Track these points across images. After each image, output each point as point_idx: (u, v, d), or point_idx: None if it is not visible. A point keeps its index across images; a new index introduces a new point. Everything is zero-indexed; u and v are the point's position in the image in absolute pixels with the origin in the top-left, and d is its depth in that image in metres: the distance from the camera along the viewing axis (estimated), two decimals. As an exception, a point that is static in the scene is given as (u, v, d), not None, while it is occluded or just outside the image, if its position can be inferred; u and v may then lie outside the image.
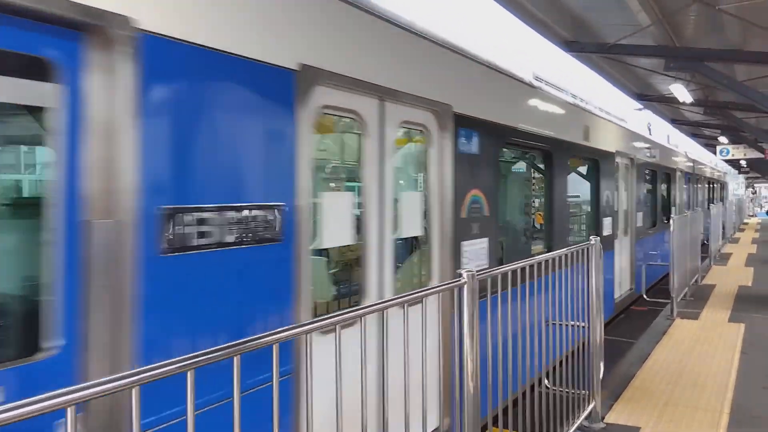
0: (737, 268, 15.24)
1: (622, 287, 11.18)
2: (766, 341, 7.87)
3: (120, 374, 1.61)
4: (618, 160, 10.62)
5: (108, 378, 1.57)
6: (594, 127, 9.21)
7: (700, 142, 27.12)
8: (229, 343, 1.93)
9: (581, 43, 9.48)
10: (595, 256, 5.28)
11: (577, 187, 9.85)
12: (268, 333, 2.12)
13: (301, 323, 2.30)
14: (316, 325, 2.31)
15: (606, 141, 9.80)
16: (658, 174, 14.56)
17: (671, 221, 9.71)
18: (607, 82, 13.39)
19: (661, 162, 14.55)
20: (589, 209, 10.58)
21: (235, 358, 1.95)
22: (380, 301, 2.78)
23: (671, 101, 14.23)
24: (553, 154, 7.57)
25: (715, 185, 29.47)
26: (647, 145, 13.00)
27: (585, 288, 5.20)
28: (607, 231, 9.92)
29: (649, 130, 15.81)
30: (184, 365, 1.75)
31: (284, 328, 2.21)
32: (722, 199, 30.77)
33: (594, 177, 9.67)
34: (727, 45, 8.96)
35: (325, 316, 2.41)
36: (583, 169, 9.91)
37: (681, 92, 12.07)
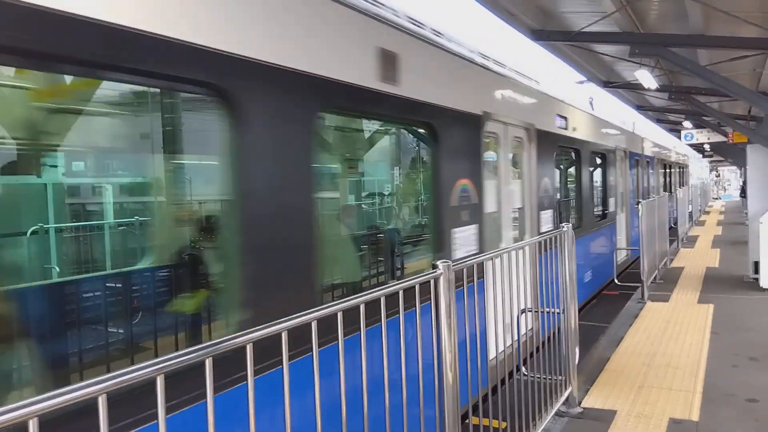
0: (704, 250, 15.57)
1: None
2: (734, 321, 8.04)
3: (89, 381, 1.54)
4: (492, 126, 6.80)
5: (69, 388, 1.49)
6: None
7: (665, 128, 27.57)
8: (200, 345, 1.87)
9: (547, 31, 9.52)
10: (567, 243, 5.34)
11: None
12: (241, 333, 2.06)
13: (275, 322, 2.22)
14: (289, 323, 2.26)
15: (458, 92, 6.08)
16: (584, 154, 10.92)
17: (640, 206, 9.84)
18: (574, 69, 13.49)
19: (590, 138, 11.26)
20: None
21: (207, 361, 1.90)
22: (356, 296, 2.73)
23: (637, 87, 14.41)
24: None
25: (674, 169, 28.07)
26: (561, 113, 9.39)
27: (558, 275, 5.24)
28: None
29: (591, 105, 12.53)
30: (152, 370, 1.69)
31: (259, 327, 2.15)
32: (683, 185, 29.75)
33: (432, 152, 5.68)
34: (690, 30, 9.08)
35: (299, 314, 2.35)
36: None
37: (646, 78, 12.22)
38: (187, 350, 1.83)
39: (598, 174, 12.77)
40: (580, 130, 10.44)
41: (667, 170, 25.67)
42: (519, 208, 7.89)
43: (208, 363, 1.90)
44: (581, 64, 12.95)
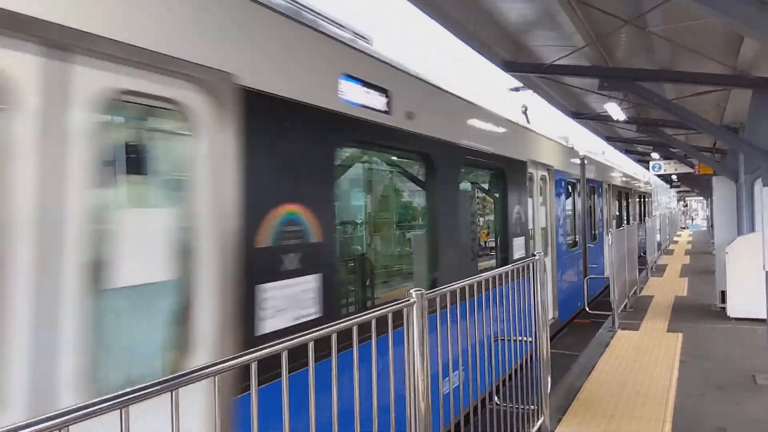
0: (673, 279, 15.81)
1: None
2: (702, 350, 8.15)
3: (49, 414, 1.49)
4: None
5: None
6: None
7: (634, 158, 28.17)
8: (164, 378, 1.83)
9: (519, 63, 9.72)
10: (539, 271, 5.39)
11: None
12: (205, 365, 2.02)
13: (244, 352, 2.20)
14: (258, 354, 2.23)
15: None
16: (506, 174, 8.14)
17: (608, 235, 9.99)
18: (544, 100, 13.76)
19: (506, 152, 8.12)
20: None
21: (173, 393, 1.86)
22: (327, 325, 2.71)
23: (606, 119, 14.75)
24: None
25: (633, 199, 24.21)
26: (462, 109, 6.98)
27: (529, 303, 5.27)
28: None
29: (527, 117, 11.14)
30: (115, 403, 1.65)
31: (228, 357, 2.13)
32: (644, 216, 26.94)
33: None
34: (657, 65, 9.36)
35: (270, 344, 2.31)
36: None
37: (615, 110, 12.53)
38: (150, 383, 1.79)
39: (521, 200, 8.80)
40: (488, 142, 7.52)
41: (625, 200, 21.93)
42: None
43: (174, 396, 1.87)
44: (551, 95, 13.23)
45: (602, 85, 9.66)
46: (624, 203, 21.50)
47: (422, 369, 3.35)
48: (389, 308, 3.20)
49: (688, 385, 6.59)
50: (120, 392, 1.68)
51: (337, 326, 2.72)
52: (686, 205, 63.68)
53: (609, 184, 17.31)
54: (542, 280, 5.48)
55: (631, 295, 12.21)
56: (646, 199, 29.38)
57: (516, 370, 5.26)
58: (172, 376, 1.87)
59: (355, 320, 2.87)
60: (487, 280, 4.42)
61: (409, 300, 3.36)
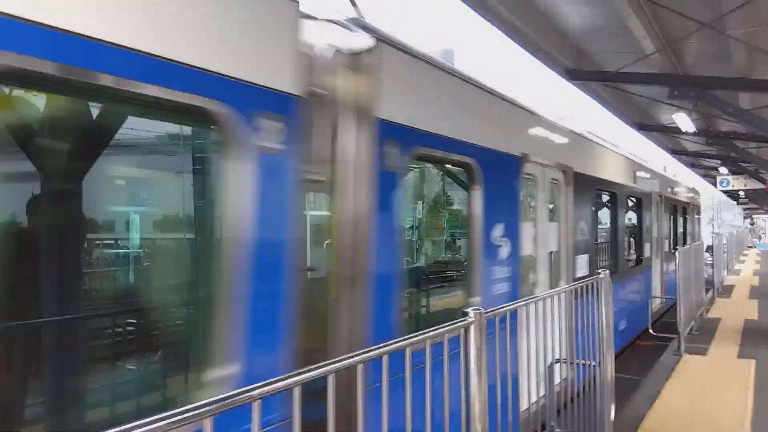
0: (741, 301, 14.94)
1: None
2: (779, 379, 7.54)
3: None
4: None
5: None
6: None
7: (699, 173, 27.05)
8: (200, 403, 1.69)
9: (582, 71, 9.33)
10: (604, 290, 5.05)
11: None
12: (247, 389, 1.86)
13: (288, 374, 2.03)
14: (301, 377, 2.04)
15: None
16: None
17: (677, 253, 9.44)
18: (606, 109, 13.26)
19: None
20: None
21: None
22: (377, 346, 2.49)
23: (672, 131, 14.10)
24: None
25: (661, 211, 14.01)
26: None
27: (592, 324, 4.93)
28: None
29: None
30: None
31: (272, 380, 1.96)
32: (686, 237, 17.67)
33: None
34: (733, 73, 8.82)
35: (317, 365, 2.13)
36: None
37: (684, 121, 11.92)
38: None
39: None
40: None
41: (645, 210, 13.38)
42: None
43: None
44: (615, 105, 12.72)
45: (672, 93, 9.17)
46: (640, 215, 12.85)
47: (479, 390, 3.09)
48: (445, 328, 2.95)
49: (765, 419, 6.06)
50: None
51: (386, 348, 2.50)
52: (753, 223, 60.87)
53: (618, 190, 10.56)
54: (607, 299, 5.13)
55: (698, 317, 11.54)
56: (687, 214, 18.42)
57: (577, 395, 4.94)
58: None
59: (408, 341, 2.64)
60: (550, 299, 4.12)
61: (466, 319, 3.10)
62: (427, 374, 2.84)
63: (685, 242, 15.43)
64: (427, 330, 2.88)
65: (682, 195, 18.13)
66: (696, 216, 20.02)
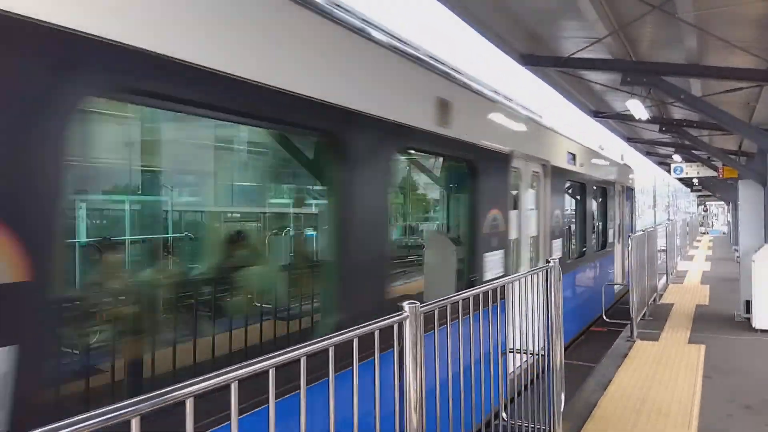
0: (694, 287, 15.20)
1: None
2: (727, 364, 7.61)
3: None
4: None
5: None
6: None
7: (655, 161, 27.46)
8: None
9: (536, 56, 9.21)
10: (554, 279, 4.95)
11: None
12: (184, 384, 1.80)
13: (227, 369, 1.97)
14: (242, 371, 1.99)
15: None
16: None
17: (629, 240, 9.47)
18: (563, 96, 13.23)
19: None
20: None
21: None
22: (315, 340, 2.32)
23: (627, 118, 14.16)
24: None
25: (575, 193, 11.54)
26: None
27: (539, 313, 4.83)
28: None
29: None
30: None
31: (205, 376, 1.88)
32: (604, 231, 13.18)
33: None
34: (684, 59, 8.80)
35: (255, 360, 2.07)
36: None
37: (637, 108, 11.94)
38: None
39: None
40: None
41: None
42: None
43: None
44: (570, 91, 12.68)
45: (625, 79, 9.12)
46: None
47: (415, 381, 2.91)
48: (376, 324, 2.75)
49: (712, 403, 6.08)
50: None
51: (308, 347, 2.30)
52: (706, 210, 62.42)
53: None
54: (557, 288, 5.04)
55: (651, 303, 11.64)
56: (617, 197, 14.23)
57: (526, 385, 4.84)
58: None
59: (335, 339, 2.45)
60: (494, 291, 3.97)
61: (401, 314, 2.91)
62: (355, 371, 2.65)
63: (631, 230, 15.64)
64: (359, 326, 2.68)
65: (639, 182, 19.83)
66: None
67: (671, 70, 9.06)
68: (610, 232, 13.48)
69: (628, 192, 15.82)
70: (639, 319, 9.76)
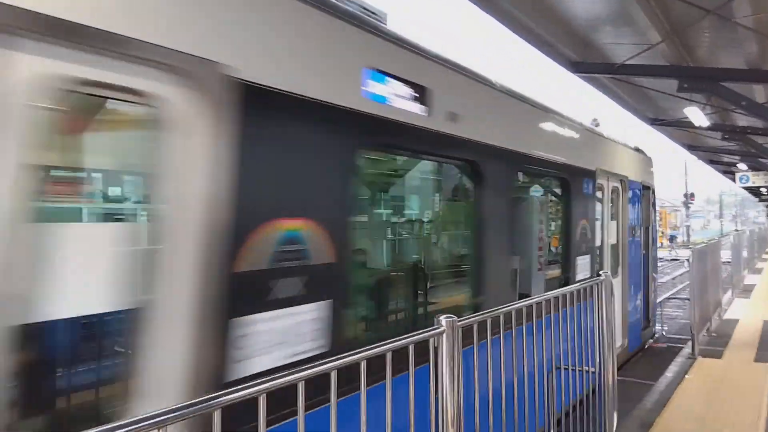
0: (762, 302, 14.45)
1: None
2: (797, 384, 7.17)
3: None
4: None
5: None
6: None
7: (719, 169, 26.42)
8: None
9: (587, 63, 9.00)
10: (605, 293, 4.78)
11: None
12: (211, 396, 1.84)
13: (255, 382, 1.97)
14: (270, 384, 2.00)
15: None
16: None
17: (690, 252, 9.08)
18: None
19: None
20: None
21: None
22: (346, 354, 2.31)
23: (686, 125, 13.67)
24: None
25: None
26: None
27: (591, 328, 4.68)
28: None
29: None
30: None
31: (233, 389, 1.91)
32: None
33: None
34: (746, 64, 8.43)
35: (284, 373, 2.08)
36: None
37: (696, 115, 11.51)
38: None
39: None
40: None
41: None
42: None
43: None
44: (625, 99, 12.34)
45: (681, 86, 8.79)
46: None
47: (452, 397, 2.84)
48: (410, 338, 2.70)
49: (781, 427, 5.73)
50: None
51: (337, 362, 2.27)
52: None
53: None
54: (608, 302, 4.87)
55: (714, 318, 11.13)
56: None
57: (579, 403, 4.68)
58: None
59: (365, 353, 2.41)
60: (538, 305, 3.86)
61: (437, 328, 2.85)
62: (388, 385, 2.60)
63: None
64: (388, 341, 2.64)
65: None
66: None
67: (730, 76, 8.69)
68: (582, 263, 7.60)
69: (637, 192, 9.98)
70: (701, 335, 9.34)
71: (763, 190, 28.49)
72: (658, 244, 13.22)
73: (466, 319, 3.12)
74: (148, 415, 1.66)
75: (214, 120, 2.78)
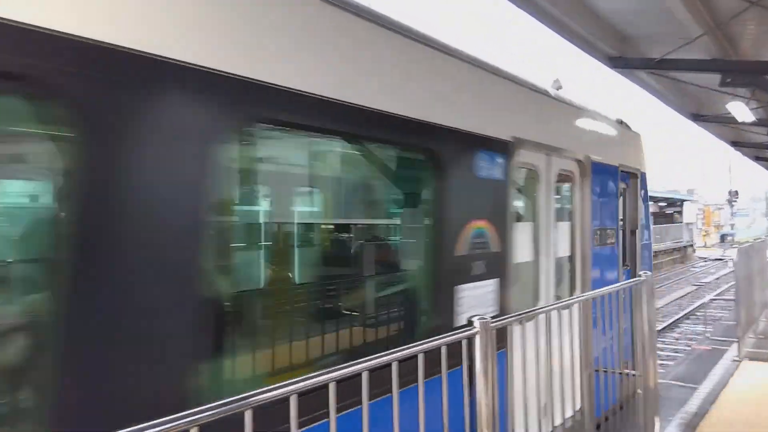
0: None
1: None
2: None
3: None
4: None
5: None
6: None
7: (765, 165, 25.58)
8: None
9: (625, 58, 8.78)
10: (645, 293, 4.65)
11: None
12: (242, 396, 1.87)
13: (287, 382, 2.01)
14: (301, 384, 2.03)
15: None
16: None
17: (735, 251, 8.79)
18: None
19: None
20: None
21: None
22: (377, 355, 2.28)
23: (730, 121, 13.25)
24: None
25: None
26: None
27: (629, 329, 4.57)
28: None
29: None
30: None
31: (265, 389, 1.95)
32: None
33: None
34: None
35: (316, 373, 2.11)
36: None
37: (740, 110, 11.13)
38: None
39: None
40: None
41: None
42: None
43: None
44: (665, 94, 12.02)
45: (724, 81, 8.51)
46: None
47: (486, 397, 2.79)
48: (442, 340, 2.65)
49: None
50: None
51: (368, 363, 2.24)
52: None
53: None
54: (649, 302, 4.74)
55: (762, 319, 10.76)
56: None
57: (620, 407, 4.58)
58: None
59: (397, 354, 2.39)
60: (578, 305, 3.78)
61: (470, 329, 2.80)
62: (420, 386, 2.56)
63: None
64: (423, 341, 2.60)
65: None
66: None
67: (775, 68, 8.40)
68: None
69: (612, 179, 7.29)
70: (747, 337, 9.03)
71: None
72: (700, 243, 12.66)
73: (500, 320, 3.06)
74: (182, 414, 1.70)
75: None
